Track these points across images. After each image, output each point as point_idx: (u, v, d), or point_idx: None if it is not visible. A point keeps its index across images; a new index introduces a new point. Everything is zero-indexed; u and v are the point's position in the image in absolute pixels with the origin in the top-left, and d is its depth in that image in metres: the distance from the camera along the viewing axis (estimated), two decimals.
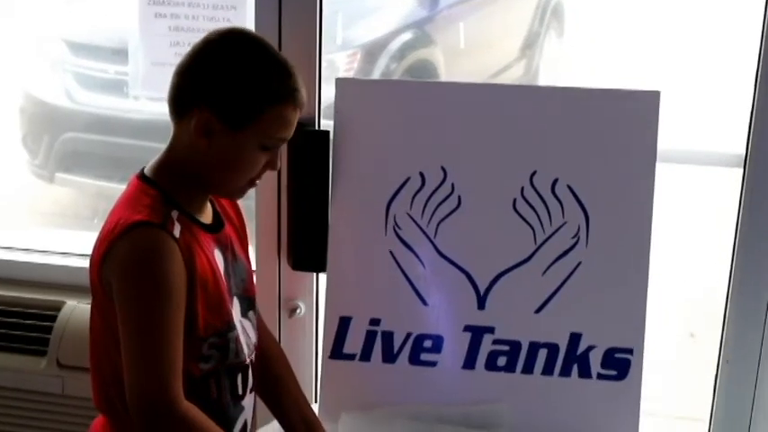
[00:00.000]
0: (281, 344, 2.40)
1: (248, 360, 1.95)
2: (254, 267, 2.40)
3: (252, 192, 2.35)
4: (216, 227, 1.90)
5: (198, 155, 1.78)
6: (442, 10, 4.85)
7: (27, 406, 2.58)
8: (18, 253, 2.73)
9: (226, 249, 1.90)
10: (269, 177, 2.29)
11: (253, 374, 1.98)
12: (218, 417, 1.82)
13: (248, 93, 1.75)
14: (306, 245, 2.37)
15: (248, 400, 1.97)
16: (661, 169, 2.13)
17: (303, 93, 1.82)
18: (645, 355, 2.15)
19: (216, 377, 1.85)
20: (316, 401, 2.31)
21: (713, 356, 2.40)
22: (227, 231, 1.93)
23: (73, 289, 2.57)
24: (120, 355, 1.74)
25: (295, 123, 1.82)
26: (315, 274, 2.45)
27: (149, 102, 3.46)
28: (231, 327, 1.88)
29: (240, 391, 1.93)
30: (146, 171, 1.84)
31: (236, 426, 1.92)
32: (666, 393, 3.65)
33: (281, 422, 2.06)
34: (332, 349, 2.23)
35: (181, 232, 1.75)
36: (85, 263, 1.83)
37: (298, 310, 2.48)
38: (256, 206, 2.41)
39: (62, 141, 4.27)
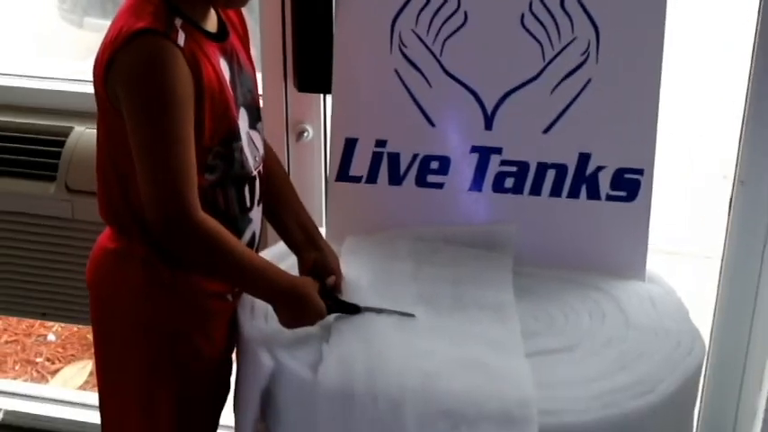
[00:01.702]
0: (289, 168, 2.39)
1: (255, 172, 1.93)
2: (260, 91, 2.37)
3: (256, 11, 2.30)
4: (221, 35, 1.85)
5: None
6: None
7: (37, 230, 2.58)
8: (26, 80, 2.70)
9: (231, 59, 1.85)
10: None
11: (260, 187, 1.96)
12: (225, 227, 1.80)
13: None
14: (311, 65, 2.31)
15: (256, 212, 1.96)
16: None
17: None
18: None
19: (222, 187, 1.83)
20: (323, 225, 2.28)
21: None
22: (232, 40, 1.88)
23: (81, 115, 2.54)
24: (126, 164, 1.74)
25: None
26: (322, 96, 2.41)
27: None
28: (237, 137, 1.84)
29: (248, 203, 1.92)
30: None
31: (245, 237, 1.91)
32: (694, 234, 3.62)
33: (277, 230, 2.06)
34: (338, 171, 2.19)
35: (185, 41, 1.70)
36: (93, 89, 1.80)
37: (305, 134, 2.44)
38: (261, 28, 2.34)
39: None
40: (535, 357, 1.80)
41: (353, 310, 1.88)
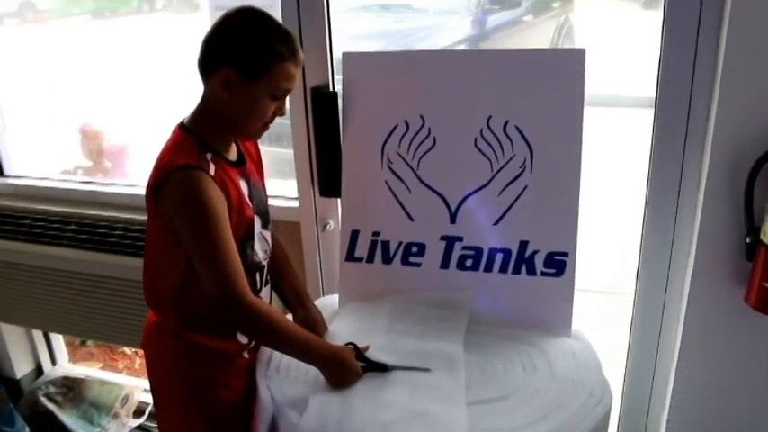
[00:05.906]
0: (321, 251, 2.02)
1: (264, 262, 1.56)
2: (296, 196, 2.00)
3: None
4: (240, 162, 1.50)
5: (222, 105, 1.39)
6: (490, 30, 4.53)
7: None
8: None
9: (248, 179, 1.51)
10: (301, 130, 1.90)
11: (268, 273, 1.59)
12: None
13: (260, 53, 1.36)
14: (328, 179, 1.95)
15: (264, 293, 1.60)
16: (589, 111, 1.61)
17: (301, 53, 1.41)
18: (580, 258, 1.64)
19: None
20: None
21: None
22: (249, 166, 1.53)
23: None
24: (166, 262, 1.43)
25: (297, 77, 1.41)
26: (338, 199, 2.01)
27: None
28: (251, 237, 1.49)
29: (258, 286, 1.55)
30: (185, 122, 1.46)
31: None
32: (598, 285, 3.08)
33: (279, 295, 1.68)
34: (346, 254, 1.79)
35: (215, 171, 1.38)
36: None
37: (328, 226, 2.04)
38: (294, 153, 1.98)
39: None
40: (474, 406, 1.36)
41: (383, 368, 1.46)
